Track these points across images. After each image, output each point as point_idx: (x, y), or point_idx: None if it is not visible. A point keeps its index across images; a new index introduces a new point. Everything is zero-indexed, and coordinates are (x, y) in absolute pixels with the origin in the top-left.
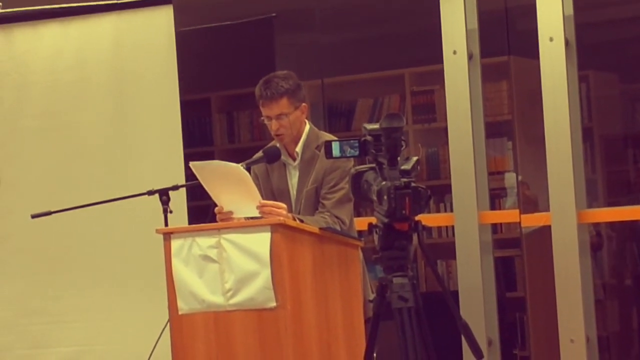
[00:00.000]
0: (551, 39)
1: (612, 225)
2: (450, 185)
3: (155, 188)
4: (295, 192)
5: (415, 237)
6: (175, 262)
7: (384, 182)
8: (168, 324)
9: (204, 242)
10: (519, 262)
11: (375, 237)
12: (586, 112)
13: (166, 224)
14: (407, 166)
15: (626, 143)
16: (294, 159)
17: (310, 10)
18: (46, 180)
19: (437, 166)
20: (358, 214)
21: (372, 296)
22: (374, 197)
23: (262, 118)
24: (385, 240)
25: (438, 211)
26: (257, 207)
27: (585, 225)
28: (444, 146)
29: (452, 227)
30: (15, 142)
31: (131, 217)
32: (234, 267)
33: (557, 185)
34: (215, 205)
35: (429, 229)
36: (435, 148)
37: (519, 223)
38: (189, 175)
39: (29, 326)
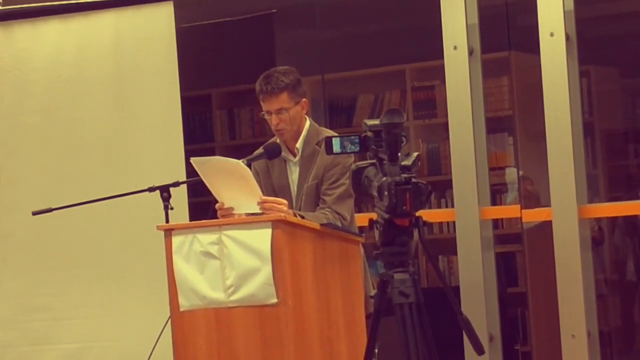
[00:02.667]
0: (552, 34)
1: (613, 220)
2: (451, 181)
3: (156, 185)
4: (295, 188)
5: (416, 232)
6: (176, 259)
7: (384, 178)
8: (169, 321)
9: (205, 239)
10: (520, 258)
11: (376, 233)
12: (587, 107)
13: (167, 221)
14: (407, 162)
15: (627, 138)
16: (295, 155)
17: (311, 6)
18: (47, 177)
19: (438, 162)
20: (359, 210)
21: (373, 292)
22: (375, 193)
23: (262, 113)
24: (386, 236)
25: (439, 207)
26: (258, 203)
27: (586, 221)
28: (445, 142)
29: (453, 222)
30: (16, 139)
31: (132, 213)
32: (234, 263)
33: (558, 181)
34: (216, 201)
35: (429, 225)
36: (436, 144)
37: (520, 218)
38: (190, 171)
39: (30, 323)
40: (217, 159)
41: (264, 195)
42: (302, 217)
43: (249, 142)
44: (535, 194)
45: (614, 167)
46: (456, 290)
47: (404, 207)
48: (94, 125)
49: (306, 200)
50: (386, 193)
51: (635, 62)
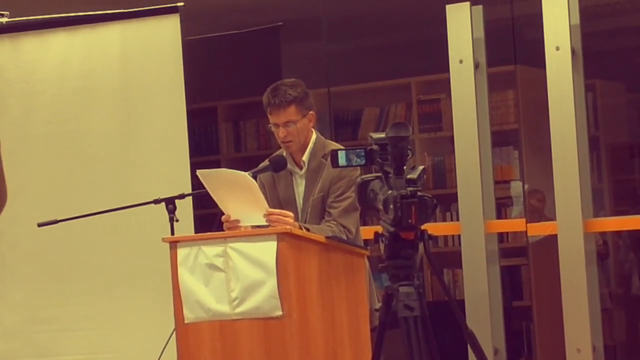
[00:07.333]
0: (557, 48)
1: (618, 234)
2: (456, 194)
3: (162, 197)
4: (301, 201)
5: (421, 246)
6: (182, 271)
7: (390, 191)
8: (174, 333)
9: (210, 251)
10: (525, 271)
11: (382, 246)
12: (592, 121)
13: (172, 233)
14: (413, 175)
15: (632, 152)
16: (301, 168)
17: (317, 19)
18: (53, 188)
19: (443, 175)
20: (364, 223)
21: (378, 305)
22: (380, 206)
23: (269, 125)
24: (392, 249)
25: (444, 220)
26: (264, 216)
27: (591, 235)
28: (450, 155)
29: (459, 236)
30: (22, 150)
31: (137, 225)
32: (240, 275)
33: (563, 195)
34: (222, 213)
35: (435, 238)
36: (441, 157)
37: (525, 232)
38: (196, 183)
39: (34, 334)
40: (224, 171)
41: (269, 207)
42: (308, 230)
43: (255, 154)
44: (540, 207)
45: (620, 181)
46: (461, 303)
47: (410, 221)
48: (100, 136)
49: (312, 212)
50: (392, 206)
51: None
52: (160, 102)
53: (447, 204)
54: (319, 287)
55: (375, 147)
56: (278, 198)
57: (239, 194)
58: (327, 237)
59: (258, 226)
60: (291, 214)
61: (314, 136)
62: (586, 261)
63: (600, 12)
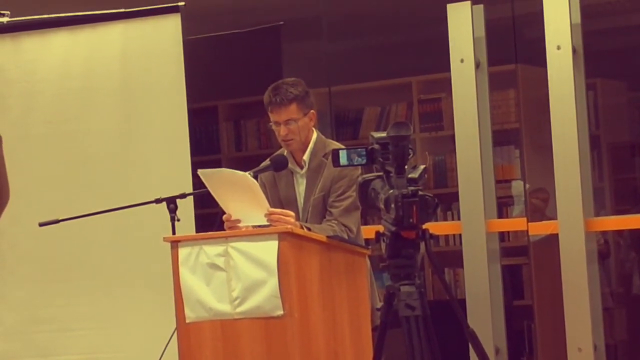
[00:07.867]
0: (558, 47)
1: (620, 233)
2: (457, 194)
3: (163, 196)
4: (302, 201)
5: (422, 245)
6: (183, 271)
7: (391, 191)
8: (175, 332)
9: (212, 250)
10: (526, 270)
11: (383, 245)
12: (593, 120)
13: (174, 232)
14: (414, 174)
15: (634, 151)
16: (302, 167)
17: (318, 19)
18: (54, 188)
19: (444, 174)
20: (365, 222)
21: (379, 304)
22: (382, 206)
23: (270, 124)
24: (393, 249)
25: (445, 219)
26: (265, 215)
27: (592, 234)
28: (451, 154)
29: (460, 235)
30: (23, 150)
31: (139, 225)
32: (241, 275)
33: (564, 194)
34: (223, 213)
35: (436, 237)
36: (442, 156)
37: (527, 231)
38: (197, 183)
39: (35, 334)
40: (225, 170)
41: (270, 207)
42: (309, 229)
43: (255, 153)
44: (543, 207)
45: (621, 180)
46: (462, 302)
47: (411, 220)
48: (101, 136)
49: (313, 212)
50: (393, 206)
51: None
52: (161, 102)
53: (448, 203)
54: (320, 287)
55: (376, 146)
56: (279, 197)
57: (240, 194)
58: (328, 237)
59: (259, 226)
60: (292, 213)
61: (314, 135)
62: (587, 260)
63: (602, 10)
